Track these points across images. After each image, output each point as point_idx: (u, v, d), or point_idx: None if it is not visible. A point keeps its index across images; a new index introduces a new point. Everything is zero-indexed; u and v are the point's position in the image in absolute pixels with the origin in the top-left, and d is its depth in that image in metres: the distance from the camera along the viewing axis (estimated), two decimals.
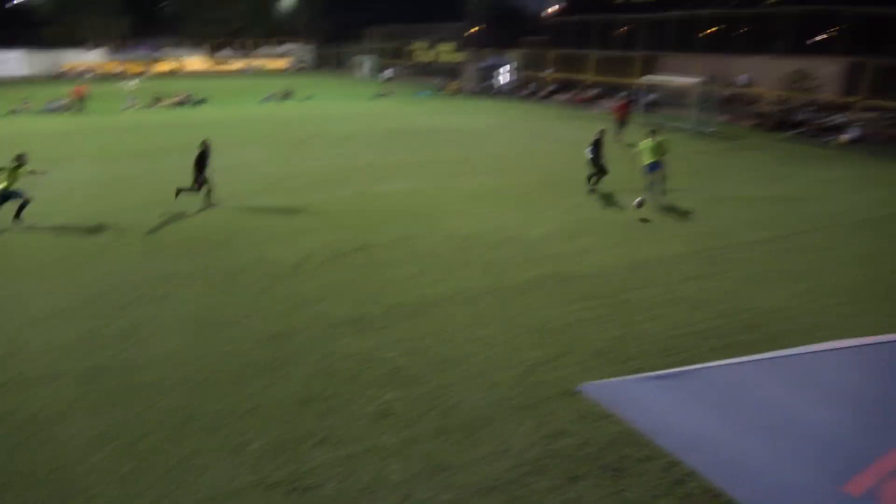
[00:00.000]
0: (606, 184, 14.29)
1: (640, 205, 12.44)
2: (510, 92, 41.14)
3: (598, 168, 14.07)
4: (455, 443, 5.55)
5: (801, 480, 2.26)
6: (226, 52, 65.13)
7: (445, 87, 42.72)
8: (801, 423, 2.44)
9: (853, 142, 21.75)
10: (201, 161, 12.87)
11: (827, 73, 27.02)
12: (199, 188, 13.01)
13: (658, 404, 2.70)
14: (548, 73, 39.85)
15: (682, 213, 12.67)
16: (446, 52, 50.16)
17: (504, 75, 42.40)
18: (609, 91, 34.01)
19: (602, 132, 14.38)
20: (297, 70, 64.80)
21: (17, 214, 11.68)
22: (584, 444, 5.51)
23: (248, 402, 6.16)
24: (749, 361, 2.77)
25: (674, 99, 27.27)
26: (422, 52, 53.82)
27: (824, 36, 31.71)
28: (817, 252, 10.44)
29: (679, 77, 26.57)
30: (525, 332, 7.60)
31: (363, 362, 6.92)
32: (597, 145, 14.04)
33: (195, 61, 63.11)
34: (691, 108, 24.59)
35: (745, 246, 10.74)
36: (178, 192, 13.08)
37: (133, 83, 43.93)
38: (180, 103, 34.08)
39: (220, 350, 7.18)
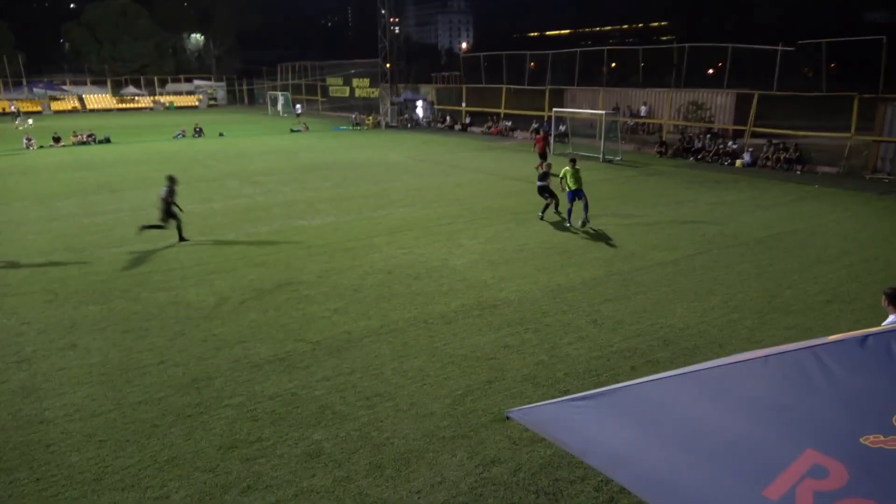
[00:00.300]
0: (525, 211, 14.74)
1: (583, 223, 13.88)
2: (427, 125, 41.80)
3: (550, 194, 14.70)
4: (389, 478, 5.46)
5: (724, 489, 2.36)
6: (131, 89, 62.88)
7: (362, 121, 42.89)
8: (720, 433, 2.55)
9: (746, 166, 23.45)
10: (170, 197, 12.88)
11: (719, 103, 29.10)
12: (178, 221, 13.07)
13: (586, 425, 2.76)
14: (462, 107, 40.78)
15: (597, 238, 13.18)
16: (362, 88, 50.48)
17: (420, 109, 43.12)
18: (522, 123, 35.18)
19: (548, 165, 15.27)
20: (209, 106, 63.31)
21: None
22: (518, 469, 5.55)
23: (166, 452, 5.83)
24: (668, 377, 2.88)
25: (582, 129, 28.53)
26: (337, 87, 53.94)
27: (713, 70, 34.20)
28: (720, 270, 11.08)
29: (586, 108, 27.86)
30: (453, 362, 7.62)
31: (289, 402, 6.71)
32: (545, 177, 14.79)
33: (98, 99, 60.57)
34: (599, 137, 25.76)
35: (656, 267, 11.27)
36: (181, 236, 13.10)
37: (29, 122, 41.59)
38: (82, 142, 32.49)
39: (134, 399, 6.79)
